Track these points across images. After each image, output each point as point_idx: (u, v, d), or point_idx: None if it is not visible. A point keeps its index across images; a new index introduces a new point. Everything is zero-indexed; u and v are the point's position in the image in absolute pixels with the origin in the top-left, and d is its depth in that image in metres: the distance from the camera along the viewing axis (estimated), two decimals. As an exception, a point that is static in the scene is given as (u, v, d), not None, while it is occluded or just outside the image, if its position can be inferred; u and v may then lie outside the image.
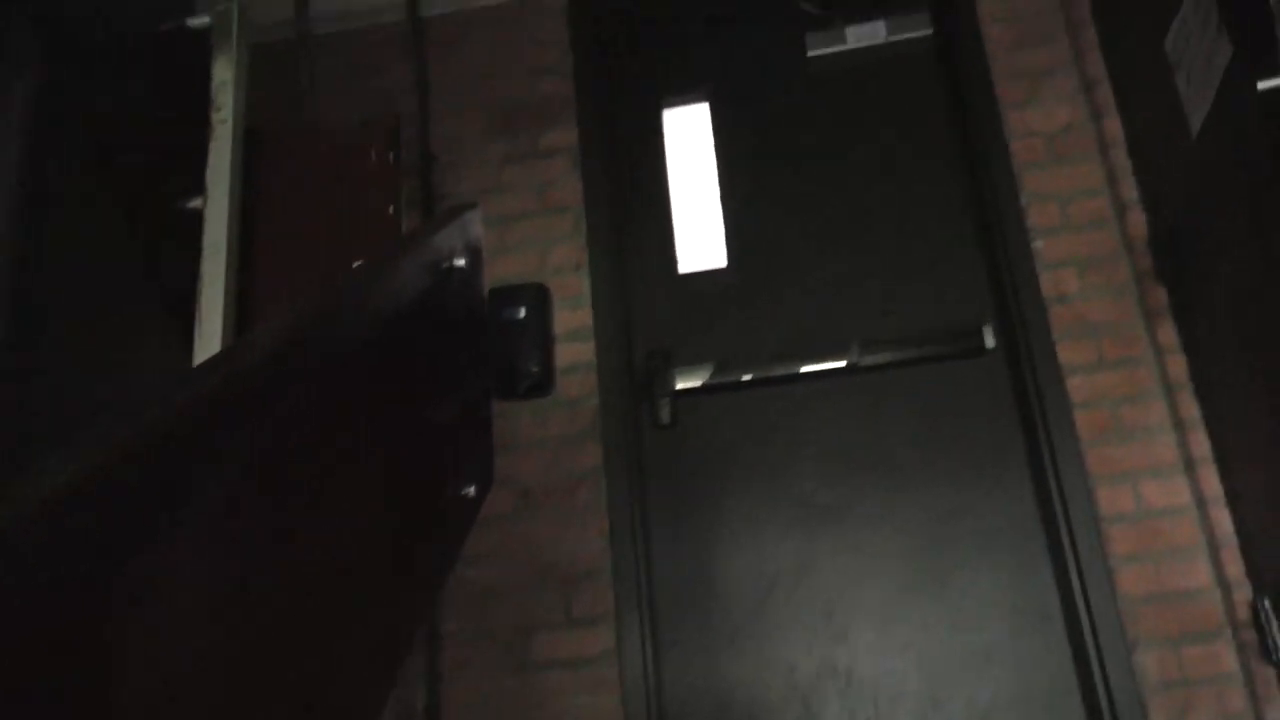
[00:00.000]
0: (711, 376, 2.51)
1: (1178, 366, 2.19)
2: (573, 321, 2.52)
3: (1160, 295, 2.25)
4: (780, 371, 2.49)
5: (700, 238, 2.70)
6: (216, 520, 0.67)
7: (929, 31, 2.73)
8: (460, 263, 1.16)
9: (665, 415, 2.49)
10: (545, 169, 2.68)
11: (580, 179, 2.66)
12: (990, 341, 2.40)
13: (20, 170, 2.70)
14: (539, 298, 2.23)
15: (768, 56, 2.81)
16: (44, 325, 1.67)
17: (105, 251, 1.99)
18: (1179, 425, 2.14)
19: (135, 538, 0.55)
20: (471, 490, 1.21)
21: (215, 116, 1.32)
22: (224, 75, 1.33)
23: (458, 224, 1.21)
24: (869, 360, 2.45)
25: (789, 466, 2.43)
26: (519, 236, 2.62)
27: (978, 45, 2.57)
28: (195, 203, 1.30)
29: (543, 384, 2.25)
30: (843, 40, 2.76)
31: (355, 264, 1.20)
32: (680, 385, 2.51)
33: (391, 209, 1.31)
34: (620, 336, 2.54)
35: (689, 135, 2.80)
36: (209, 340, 1.20)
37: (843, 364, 2.46)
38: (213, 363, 0.75)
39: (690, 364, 2.52)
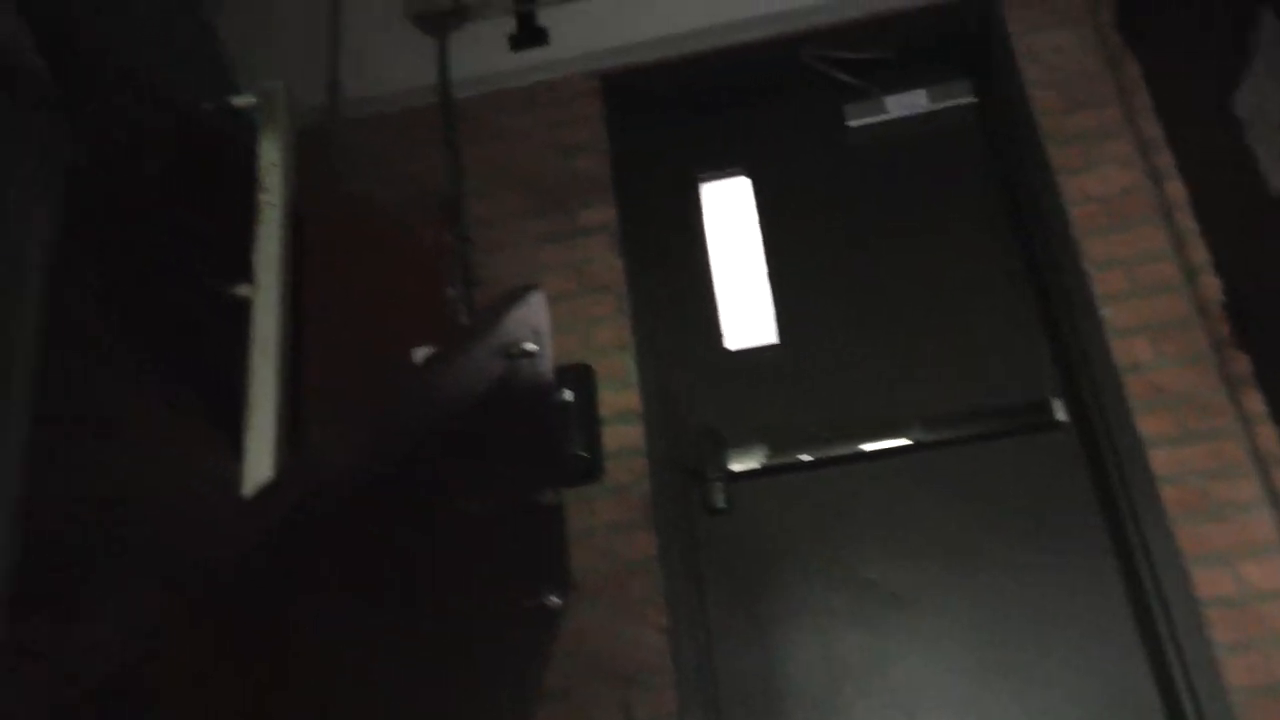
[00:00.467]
0: (767, 458, 2.39)
1: (1268, 438, 2.06)
2: (619, 404, 2.42)
3: (1242, 362, 2.14)
4: (839, 451, 2.37)
5: (747, 313, 2.61)
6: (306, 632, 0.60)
7: (972, 99, 2.67)
8: (530, 348, 1.07)
9: (719, 500, 2.36)
10: (584, 247, 2.60)
11: (620, 257, 2.58)
12: (1061, 415, 2.29)
13: (53, 255, 2.65)
14: (585, 380, 2.14)
15: (806, 127, 2.75)
16: (83, 416, 1.59)
17: (144, 341, 1.90)
18: (1275, 501, 2.01)
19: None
20: (553, 599, 1.09)
21: (263, 199, 1.24)
22: (271, 156, 1.25)
23: (523, 308, 1.11)
24: (932, 437, 2.33)
25: (853, 551, 2.29)
26: (560, 317, 2.52)
27: (1025, 111, 2.50)
28: (243, 290, 1.21)
29: (591, 470, 2.14)
30: (883, 110, 2.71)
31: (416, 351, 1.11)
32: (734, 467, 2.39)
33: (446, 292, 1.22)
34: (669, 418, 2.44)
35: (728, 209, 2.73)
36: (260, 436, 1.10)
37: (905, 442, 2.34)
38: (286, 483, 0.66)
39: (743, 445, 2.40)
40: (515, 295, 1.14)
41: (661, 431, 2.41)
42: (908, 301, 2.51)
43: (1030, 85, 2.51)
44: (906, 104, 2.69)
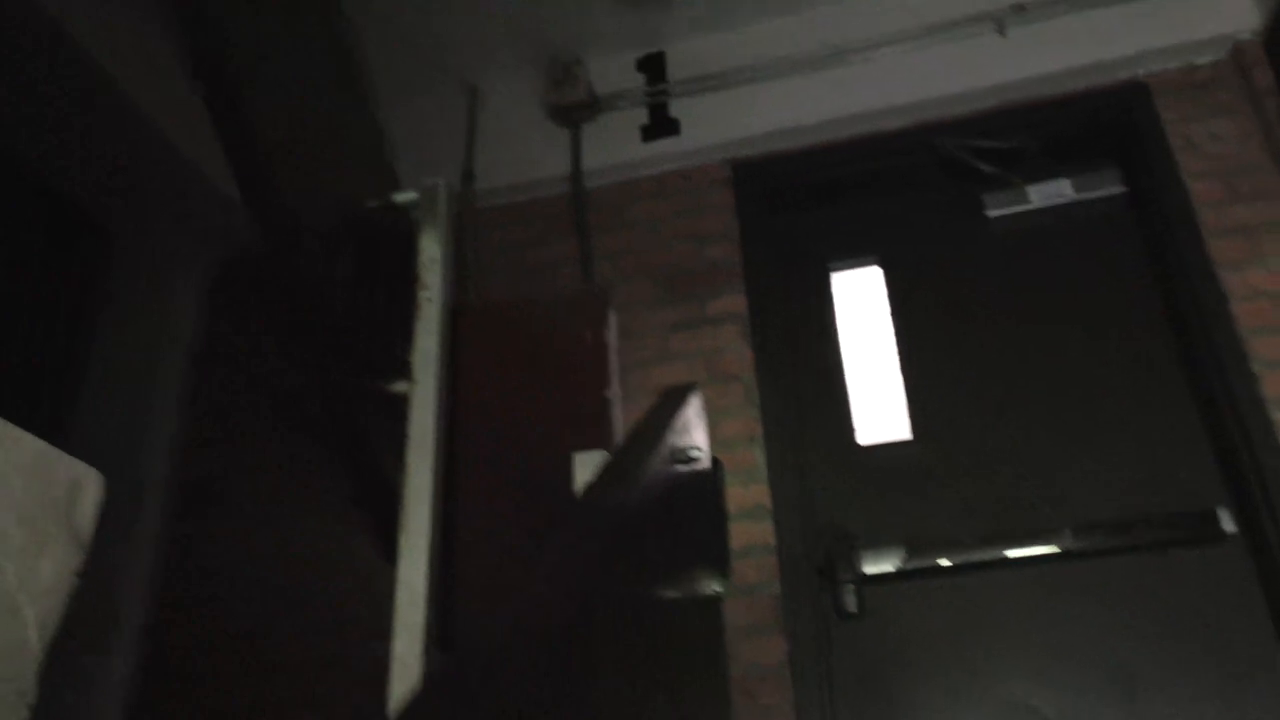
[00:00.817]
0: (903, 561, 2.27)
1: None
2: (747, 499, 2.35)
3: None
4: (982, 557, 2.24)
5: (879, 407, 2.52)
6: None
7: (1121, 189, 2.57)
8: (696, 452, 1.02)
9: (852, 603, 2.25)
10: (714, 336, 2.57)
11: (751, 347, 2.53)
12: (1229, 526, 2.12)
13: (205, 341, 2.75)
14: (713, 473, 2.08)
15: (942, 217, 2.68)
16: (238, 508, 1.60)
17: (295, 430, 1.92)
18: None
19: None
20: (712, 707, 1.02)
21: (422, 295, 1.23)
22: (432, 252, 1.25)
23: (688, 410, 1.07)
24: (1084, 546, 2.19)
25: (995, 666, 2.15)
26: (687, 408, 2.48)
27: (1182, 202, 2.38)
28: (400, 386, 1.20)
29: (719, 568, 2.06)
30: (1025, 200, 2.62)
31: (583, 455, 1.07)
32: (868, 569, 2.28)
33: (607, 392, 1.19)
34: (800, 515, 2.35)
35: (860, 298, 2.67)
36: (416, 535, 1.07)
37: (1054, 550, 2.20)
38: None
39: (878, 546, 2.30)
40: (677, 397, 1.10)
41: (791, 529, 2.32)
42: (1054, 400, 2.38)
43: (1187, 175, 2.40)
44: (1050, 193, 2.60)
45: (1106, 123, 2.57)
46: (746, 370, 2.51)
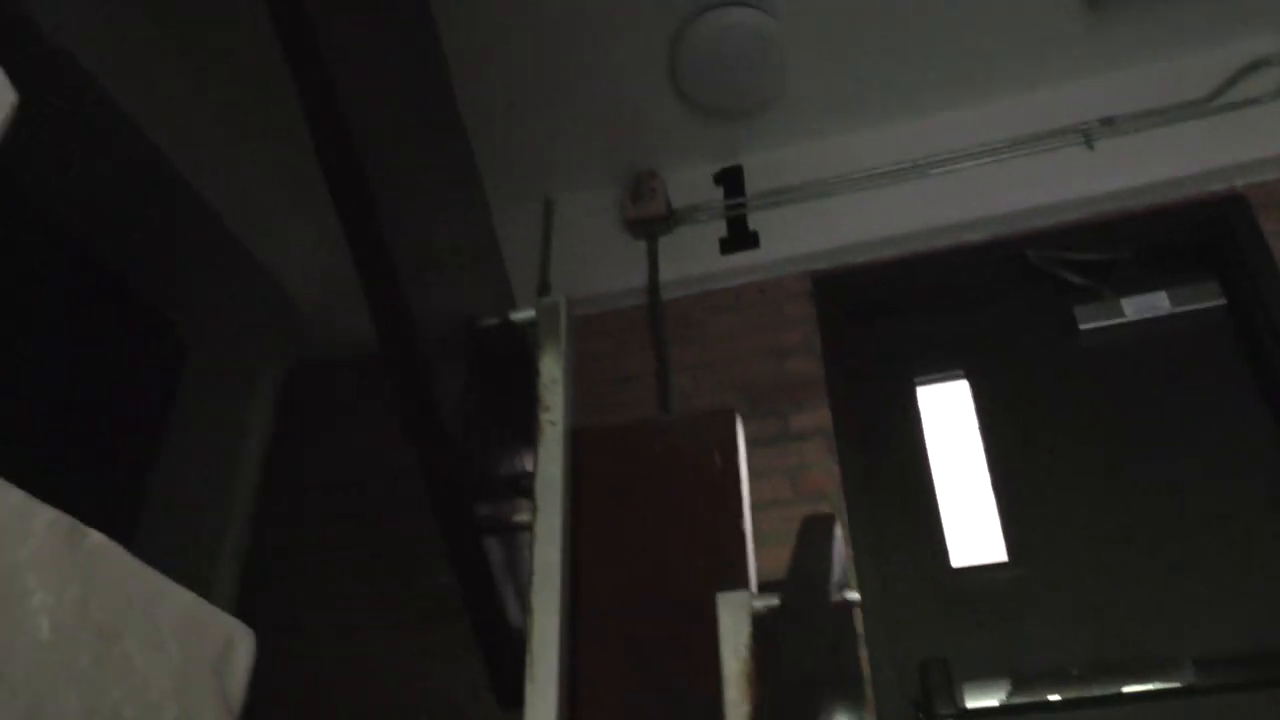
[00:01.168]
0: (1008, 695, 2.13)
1: None
2: (839, 625, 2.22)
3: None
4: (1095, 692, 2.10)
5: (973, 527, 2.41)
6: None
7: (1220, 301, 2.48)
8: (853, 597, 0.94)
9: (953, 741, 2.11)
10: (799, 452, 2.49)
11: (837, 463, 2.44)
12: (1369, 663, 1.96)
13: (272, 452, 2.71)
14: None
15: (1032, 329, 2.61)
16: (317, 639, 1.53)
17: (377, 553, 1.85)
18: None
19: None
20: None
21: (544, 417, 1.18)
22: (553, 372, 1.20)
23: (836, 543, 1.00)
24: (1208, 682, 2.04)
25: (1118, 815, 1.98)
26: (773, 526, 2.36)
27: (1287, 315, 2.30)
28: (521, 517, 1.13)
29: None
30: (1119, 313, 2.54)
31: (723, 596, 0.99)
32: (970, 704, 2.14)
33: (742, 524, 1.12)
34: (893, 643, 2.22)
35: (948, 412, 2.58)
36: (544, 684, 0.99)
37: (1174, 685, 2.05)
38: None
39: (979, 678, 2.16)
40: (821, 529, 1.03)
41: (885, 658, 2.19)
42: (1160, 521, 2.26)
43: (1291, 288, 2.32)
44: (1145, 306, 2.52)
45: (1203, 235, 2.51)
46: (834, 487, 2.42)
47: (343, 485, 2.63)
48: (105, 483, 2.53)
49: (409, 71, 1.26)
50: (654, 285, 2.78)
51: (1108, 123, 2.57)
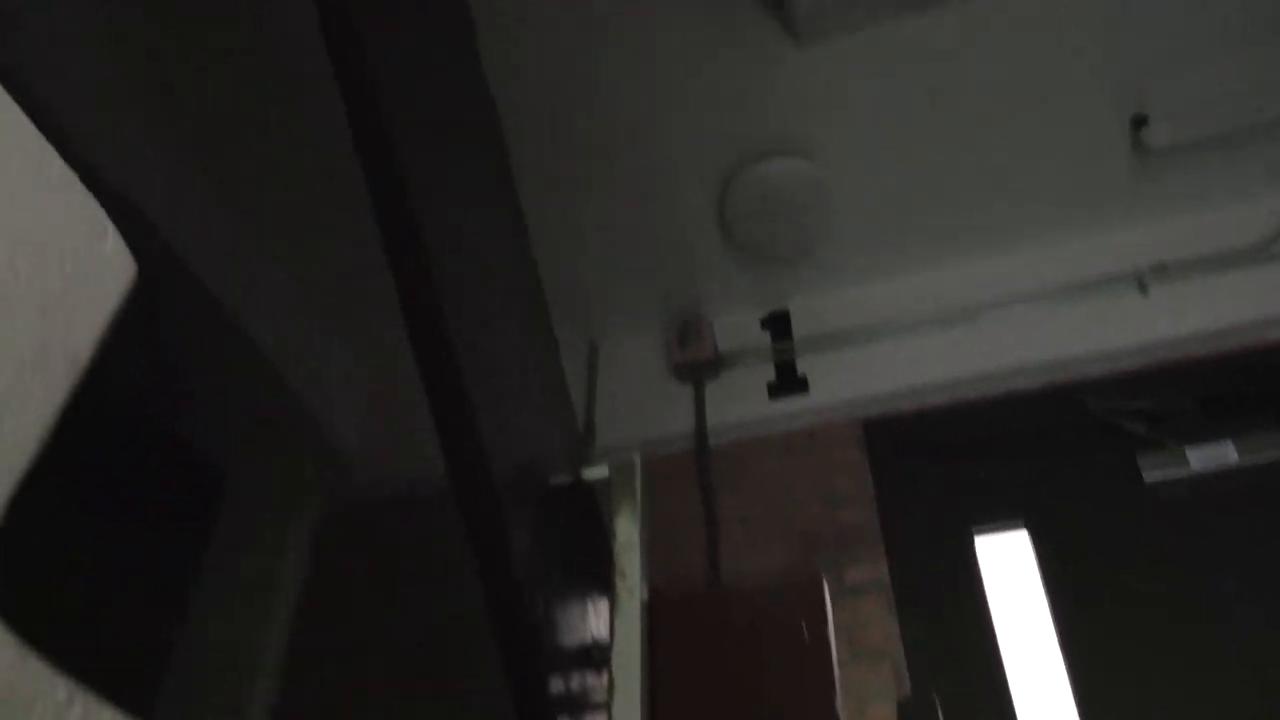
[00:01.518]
0: None
1: None
2: (904, 798, 2.08)
3: None
4: None
5: (1040, 686, 2.27)
6: None
7: (1291, 452, 2.40)
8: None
9: None
10: (854, 608, 2.37)
11: (895, 620, 2.33)
12: None
13: (307, 598, 2.62)
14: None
15: (1094, 479, 2.52)
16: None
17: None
18: None
19: None
20: None
21: (621, 585, 1.11)
22: (629, 535, 1.15)
23: None
24: None
25: None
26: (831, 688, 2.26)
27: (1367, 468, 2.21)
28: (599, 696, 1.05)
29: None
30: (1184, 463, 2.46)
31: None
32: None
33: (834, 698, 1.03)
34: (965, 820, 2.06)
35: (1007, 564, 2.48)
36: None
37: None
38: None
39: None
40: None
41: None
42: (1240, 685, 2.13)
43: (1367, 439, 2.23)
44: (1211, 457, 2.44)
45: (1266, 383, 2.45)
46: (893, 645, 2.30)
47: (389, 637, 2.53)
48: (132, 637, 2.45)
49: (487, 214, 1.25)
50: (701, 430, 2.73)
51: (1160, 269, 2.55)
